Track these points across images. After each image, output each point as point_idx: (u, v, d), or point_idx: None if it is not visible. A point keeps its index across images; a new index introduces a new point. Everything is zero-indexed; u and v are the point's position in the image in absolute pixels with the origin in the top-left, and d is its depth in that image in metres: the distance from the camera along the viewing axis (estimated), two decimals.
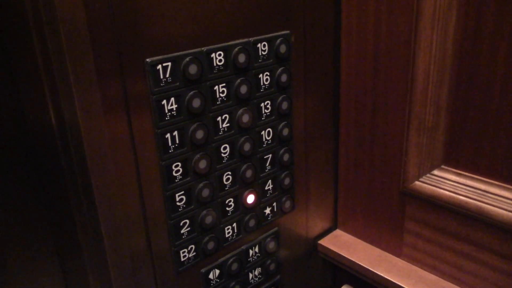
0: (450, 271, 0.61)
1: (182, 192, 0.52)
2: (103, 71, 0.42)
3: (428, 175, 0.60)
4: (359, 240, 0.72)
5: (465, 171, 0.57)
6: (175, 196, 0.51)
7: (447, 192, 0.57)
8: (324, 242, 0.72)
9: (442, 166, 0.60)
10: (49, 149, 0.48)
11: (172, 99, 0.48)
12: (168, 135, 0.49)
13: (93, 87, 0.42)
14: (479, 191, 0.55)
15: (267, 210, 0.62)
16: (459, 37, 0.53)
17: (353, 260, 0.68)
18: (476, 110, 0.54)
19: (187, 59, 0.47)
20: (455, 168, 0.58)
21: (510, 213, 0.52)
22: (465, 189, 0.56)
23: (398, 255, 0.67)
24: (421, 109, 0.57)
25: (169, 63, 0.46)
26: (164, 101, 0.47)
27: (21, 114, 0.49)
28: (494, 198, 0.54)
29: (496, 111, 0.52)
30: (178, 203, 0.52)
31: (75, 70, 0.40)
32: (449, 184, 0.58)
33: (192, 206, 0.53)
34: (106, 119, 0.44)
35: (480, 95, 0.53)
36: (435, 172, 0.60)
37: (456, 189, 0.57)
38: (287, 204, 0.65)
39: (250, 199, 0.59)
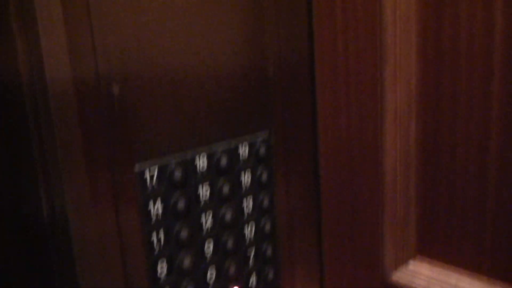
0: None
1: None
2: (93, 170, 0.47)
3: (404, 268, 0.62)
4: None
5: (438, 262, 0.60)
6: None
7: None
8: None
9: (418, 257, 0.62)
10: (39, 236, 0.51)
11: (158, 202, 0.52)
12: (154, 235, 0.52)
13: (83, 184, 0.46)
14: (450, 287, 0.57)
15: None
16: (421, 136, 0.59)
17: None
18: (443, 202, 0.58)
19: (173, 165, 0.52)
20: (429, 258, 0.61)
21: None
22: (438, 284, 0.58)
23: None
24: (391, 201, 0.61)
25: (156, 169, 0.51)
26: (151, 203, 0.51)
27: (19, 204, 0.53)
28: None
29: (462, 201, 0.56)
30: None
31: (66, 162, 0.45)
32: (423, 278, 0.60)
33: None
34: (95, 213, 0.47)
35: (445, 187, 0.57)
36: (411, 265, 0.62)
37: (430, 284, 0.59)
38: None
39: None
